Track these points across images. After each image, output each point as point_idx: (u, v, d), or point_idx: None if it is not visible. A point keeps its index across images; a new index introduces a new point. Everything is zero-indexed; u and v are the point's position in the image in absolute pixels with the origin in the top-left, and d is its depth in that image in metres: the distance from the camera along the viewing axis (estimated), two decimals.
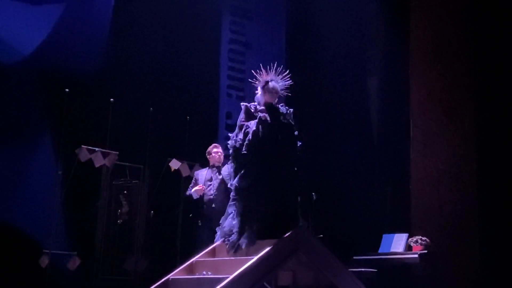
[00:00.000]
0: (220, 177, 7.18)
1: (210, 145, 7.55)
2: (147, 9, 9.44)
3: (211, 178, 7.15)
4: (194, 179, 7.39)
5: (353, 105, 10.23)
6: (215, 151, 7.35)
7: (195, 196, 7.05)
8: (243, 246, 5.44)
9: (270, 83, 5.81)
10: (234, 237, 5.60)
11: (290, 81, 5.89)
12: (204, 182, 7.16)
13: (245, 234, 5.46)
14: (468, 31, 9.01)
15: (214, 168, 7.22)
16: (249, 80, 5.98)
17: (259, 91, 5.89)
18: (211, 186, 7.11)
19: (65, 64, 8.44)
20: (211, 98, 10.24)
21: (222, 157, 7.39)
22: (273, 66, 5.88)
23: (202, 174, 7.30)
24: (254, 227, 5.44)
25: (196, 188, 7.08)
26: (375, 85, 10.23)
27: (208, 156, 7.41)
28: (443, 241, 8.66)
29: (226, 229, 5.72)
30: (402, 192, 9.20)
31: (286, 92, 5.93)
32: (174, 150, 9.27)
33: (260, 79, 5.86)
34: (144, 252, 8.85)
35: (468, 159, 8.68)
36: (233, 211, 5.70)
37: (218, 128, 10.21)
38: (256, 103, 5.83)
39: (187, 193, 7.27)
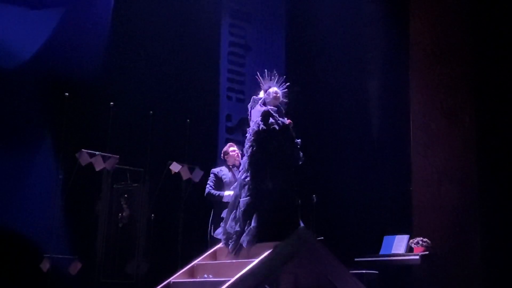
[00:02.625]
0: None
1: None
2: (146, 13, 9.44)
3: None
4: (214, 176, 7.04)
5: (354, 107, 10.23)
6: (232, 150, 7.11)
7: (227, 200, 6.82)
8: (245, 245, 5.44)
9: (272, 87, 5.92)
10: (235, 237, 5.61)
11: (286, 99, 6.02)
12: (235, 182, 6.94)
13: (246, 233, 5.46)
14: (467, 32, 9.01)
15: (235, 168, 7.08)
16: (256, 76, 6.04)
17: (261, 94, 5.98)
18: None
19: (65, 68, 8.44)
20: (211, 101, 10.24)
21: (239, 156, 7.18)
22: (273, 75, 5.97)
23: (225, 174, 7.05)
24: (255, 226, 5.43)
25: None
26: (375, 87, 10.23)
27: (225, 157, 7.15)
28: (444, 243, 8.65)
29: (228, 231, 5.72)
30: (403, 194, 9.19)
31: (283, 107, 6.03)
32: (174, 153, 9.26)
33: (263, 82, 5.96)
34: (145, 255, 8.84)
35: (469, 160, 8.68)
36: (234, 214, 5.72)
37: (218, 130, 10.21)
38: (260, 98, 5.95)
39: (215, 192, 6.88)
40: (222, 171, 7.06)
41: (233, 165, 7.06)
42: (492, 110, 8.72)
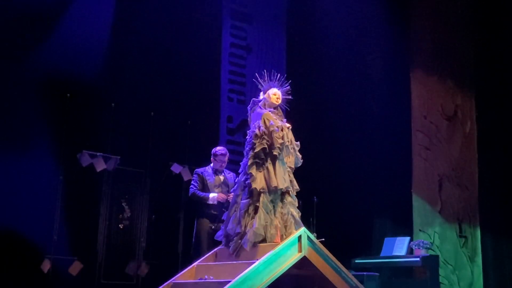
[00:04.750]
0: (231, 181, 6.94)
1: (211, 149, 7.19)
2: (147, 14, 9.44)
3: (221, 183, 6.96)
4: (198, 177, 6.97)
5: (354, 109, 10.24)
6: (222, 159, 6.97)
7: (213, 201, 6.82)
8: (246, 246, 5.44)
9: (272, 89, 5.92)
10: (236, 239, 5.61)
11: (290, 96, 6.00)
12: (219, 185, 6.92)
13: (247, 235, 5.46)
14: (468, 35, 9.02)
15: (218, 173, 7.04)
16: (254, 80, 6.03)
17: (261, 95, 5.99)
18: (222, 190, 6.92)
19: (66, 70, 8.44)
20: (212, 102, 10.23)
21: (225, 165, 7.13)
22: (276, 76, 5.97)
23: (209, 175, 7.00)
24: (256, 227, 5.43)
25: (222, 196, 6.79)
26: (376, 88, 10.23)
27: (213, 158, 7.02)
28: (444, 244, 8.66)
29: (228, 232, 5.72)
30: (403, 196, 9.20)
31: (285, 105, 6.02)
32: (175, 154, 9.27)
33: (263, 84, 5.95)
34: (146, 256, 8.85)
35: (469, 162, 8.68)
36: (234, 216, 5.72)
37: (219, 132, 10.20)
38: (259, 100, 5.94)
39: (200, 193, 6.83)
40: (207, 171, 7.02)
41: (217, 170, 7.01)
42: (493, 112, 8.73)
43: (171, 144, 9.39)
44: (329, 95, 10.35)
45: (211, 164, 7.04)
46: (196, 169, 7.12)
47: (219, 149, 7.11)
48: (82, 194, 8.53)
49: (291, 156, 5.78)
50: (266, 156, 5.64)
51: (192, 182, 7.02)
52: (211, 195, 6.79)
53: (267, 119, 5.70)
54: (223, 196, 6.74)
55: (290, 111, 6.15)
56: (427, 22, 9.45)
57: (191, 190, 6.94)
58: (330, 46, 10.35)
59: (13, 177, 7.97)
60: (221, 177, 6.98)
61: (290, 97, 6.03)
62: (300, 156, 5.85)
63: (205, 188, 6.90)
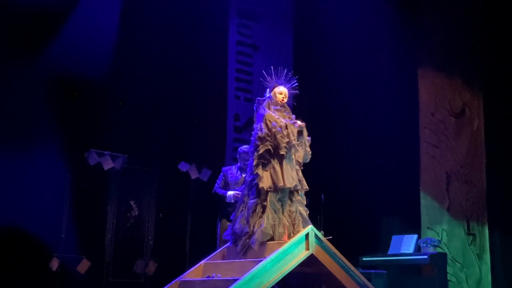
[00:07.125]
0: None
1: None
2: (154, 12, 9.45)
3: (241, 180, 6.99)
4: (223, 174, 7.08)
5: (362, 106, 10.21)
6: (245, 157, 6.88)
7: (229, 200, 6.88)
8: (254, 245, 5.44)
9: (278, 87, 5.89)
10: (244, 238, 5.60)
11: (297, 91, 5.97)
12: (236, 183, 6.97)
13: (255, 234, 5.46)
14: (476, 31, 9.00)
15: (243, 171, 7.07)
16: (261, 79, 6.01)
17: (267, 92, 5.96)
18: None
19: (73, 68, 8.46)
20: (219, 100, 10.23)
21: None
22: (283, 72, 5.94)
23: (232, 174, 7.07)
24: (264, 227, 5.43)
25: (235, 193, 6.84)
26: (383, 85, 10.20)
27: (238, 156, 7.11)
28: (452, 242, 8.64)
29: (236, 232, 5.72)
30: (411, 193, 9.17)
31: (292, 101, 6.00)
32: (182, 152, 9.28)
33: (270, 81, 5.93)
34: (154, 255, 8.87)
35: (477, 159, 8.66)
36: (241, 215, 5.71)
37: (226, 130, 10.21)
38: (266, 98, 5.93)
39: (220, 191, 6.93)
40: (231, 170, 7.09)
41: (241, 168, 7.05)
42: (501, 109, 8.70)
43: (178, 142, 9.40)
44: (336, 92, 10.33)
45: (238, 163, 7.10)
46: (223, 168, 7.20)
47: (242, 147, 7.18)
48: (90, 193, 8.55)
49: (300, 151, 5.75)
50: (272, 156, 5.61)
51: (217, 180, 7.10)
52: (229, 193, 6.83)
53: (269, 120, 5.66)
54: (237, 194, 6.73)
55: (297, 108, 6.13)
56: (436, 18, 9.41)
57: (214, 189, 7.04)
58: (337, 43, 10.32)
59: (21, 176, 8.00)
60: (243, 174, 6.99)
61: (297, 91, 5.99)
62: (310, 151, 5.82)
63: (227, 186, 6.96)
